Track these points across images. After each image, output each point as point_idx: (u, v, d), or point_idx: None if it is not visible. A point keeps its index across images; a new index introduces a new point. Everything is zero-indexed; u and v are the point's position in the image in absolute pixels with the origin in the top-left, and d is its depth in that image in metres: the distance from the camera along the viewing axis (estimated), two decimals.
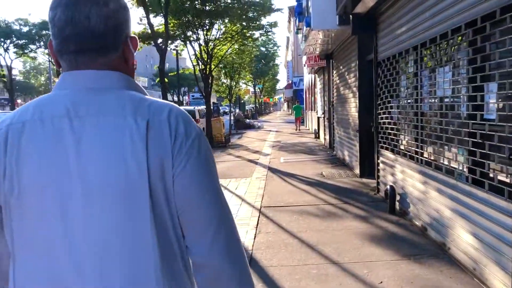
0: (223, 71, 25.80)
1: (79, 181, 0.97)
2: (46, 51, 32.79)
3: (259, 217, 6.52)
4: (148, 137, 0.99)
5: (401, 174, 6.25)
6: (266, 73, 61.14)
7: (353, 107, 10.09)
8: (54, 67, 33.70)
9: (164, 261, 1.01)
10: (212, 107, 22.45)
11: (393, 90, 6.67)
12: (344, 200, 7.29)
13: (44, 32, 30.84)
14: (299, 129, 28.11)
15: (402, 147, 6.27)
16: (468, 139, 4.08)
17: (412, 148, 5.74)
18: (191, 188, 1.02)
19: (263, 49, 60.66)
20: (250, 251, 5.05)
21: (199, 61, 18.56)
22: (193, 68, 18.99)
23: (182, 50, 19.84)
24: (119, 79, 1.06)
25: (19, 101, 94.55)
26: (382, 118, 7.26)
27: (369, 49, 8.48)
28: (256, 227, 5.99)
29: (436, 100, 5.08)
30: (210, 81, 19.01)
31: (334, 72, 13.18)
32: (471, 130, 4.01)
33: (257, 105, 65.47)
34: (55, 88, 1.06)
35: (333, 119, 13.67)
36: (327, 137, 15.77)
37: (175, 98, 53.40)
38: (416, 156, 5.54)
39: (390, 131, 6.76)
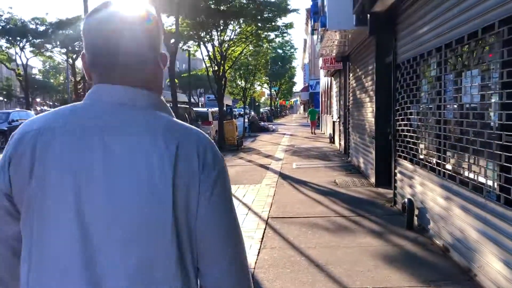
0: (238, 73, 25.40)
1: (103, 194, 0.97)
2: (63, 50, 32.86)
3: (265, 229, 6.06)
4: (177, 162, 1.00)
5: (421, 186, 5.73)
6: (282, 75, 60.65)
7: (369, 112, 9.57)
8: (71, 66, 33.83)
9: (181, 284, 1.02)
10: (225, 109, 22.05)
11: (413, 95, 6.16)
12: (357, 212, 6.79)
13: (60, 31, 30.88)
14: (314, 133, 27.68)
15: (422, 157, 5.75)
16: (500, 152, 3.57)
17: (434, 159, 5.22)
18: (213, 219, 1.04)
19: (280, 51, 60.29)
20: (252, 269, 4.59)
21: (212, 62, 18.18)
22: (206, 70, 18.60)
23: (196, 51, 19.49)
24: (149, 98, 1.06)
25: (38, 99, 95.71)
26: (400, 125, 6.75)
27: (387, 51, 7.97)
28: (261, 241, 5.53)
29: (462, 107, 4.56)
30: (223, 82, 18.63)
31: (351, 75, 12.67)
32: (504, 143, 3.50)
33: (273, 108, 65.02)
34: (85, 98, 1.06)
35: (348, 124, 13.15)
36: (342, 142, 15.23)
37: (192, 100, 53.34)
38: (438, 168, 5.03)
39: (409, 139, 6.25)
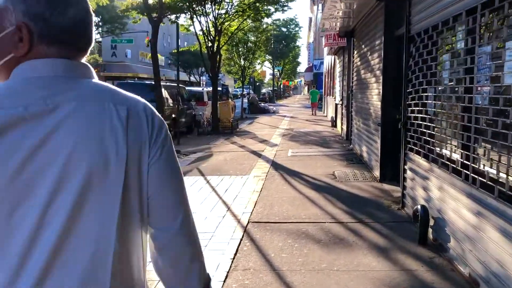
0: (236, 50, 23.97)
1: (56, 165, 0.96)
2: None
3: (241, 239, 4.86)
4: (128, 124, 1.03)
5: (439, 191, 4.50)
6: (286, 54, 59.01)
7: (375, 94, 8.29)
8: None
9: (123, 246, 1.03)
10: (221, 89, 20.74)
11: (431, 74, 4.88)
12: (358, 217, 5.58)
13: None
14: (314, 114, 26.62)
15: (441, 154, 4.50)
16: None
17: (459, 159, 3.98)
18: (163, 176, 1.08)
19: (284, 29, 58.55)
20: None
21: (206, 38, 16.81)
22: (199, 46, 17.24)
23: (190, 25, 18.08)
24: (91, 71, 1.08)
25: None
26: (413, 111, 5.48)
27: (398, 21, 6.66)
28: (233, 258, 4.34)
29: (502, 90, 3.30)
30: (218, 60, 17.27)
31: (355, 52, 11.34)
32: None
33: (276, 88, 63.48)
34: (21, 74, 1.02)
35: (351, 107, 11.86)
36: (344, 127, 13.97)
37: (192, 78, 51.89)
38: (465, 171, 3.79)
39: (424, 130, 4.99)
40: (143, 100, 1.11)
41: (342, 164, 9.42)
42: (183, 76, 56.21)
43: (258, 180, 7.92)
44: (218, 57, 17.16)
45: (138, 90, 15.79)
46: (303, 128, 18.05)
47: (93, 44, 1.12)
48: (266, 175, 8.32)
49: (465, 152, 3.83)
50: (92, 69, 1.09)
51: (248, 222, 5.48)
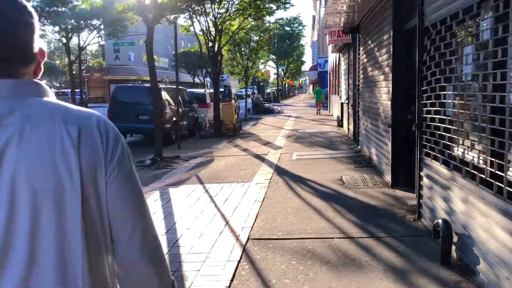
0: (237, 49, 23.42)
1: (7, 190, 0.96)
2: (56, 28, 31.00)
3: (239, 261, 4.31)
4: (80, 144, 1.01)
5: (463, 204, 3.92)
6: (290, 54, 58.42)
7: (384, 93, 7.72)
8: (75, 47, 31.56)
9: (92, 264, 1.03)
10: (224, 90, 20.22)
11: (450, 70, 4.31)
12: (370, 231, 5.01)
13: (52, 9, 28.99)
14: (319, 113, 26.71)
15: (465, 162, 3.93)
16: None
17: (489, 169, 3.40)
18: (122, 195, 1.07)
19: (287, 28, 57.96)
20: None
21: (206, 38, 16.28)
22: (199, 46, 16.70)
23: (190, 25, 17.55)
24: (40, 88, 1.07)
25: (43, 82, 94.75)
26: (429, 112, 4.91)
27: (409, 13, 6.10)
28: (229, 286, 3.79)
29: None
30: (219, 60, 16.74)
31: (361, 49, 10.76)
32: None
33: (280, 88, 62.84)
34: None
35: (358, 107, 11.28)
36: (351, 127, 13.39)
37: (197, 80, 51.39)
38: (499, 184, 3.21)
39: (444, 133, 4.42)
40: (97, 114, 1.09)
41: (350, 167, 8.85)
42: (187, 77, 55.89)
43: (260, 188, 7.37)
44: (219, 57, 16.62)
45: (137, 93, 15.35)
46: (309, 129, 17.48)
47: (35, 51, 1.08)
48: (269, 182, 7.77)
49: (497, 160, 3.26)
50: (44, 86, 1.08)
51: (248, 239, 4.93)
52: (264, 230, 5.23)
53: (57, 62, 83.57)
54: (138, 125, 14.53)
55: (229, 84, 50.76)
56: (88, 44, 32.84)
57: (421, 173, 5.25)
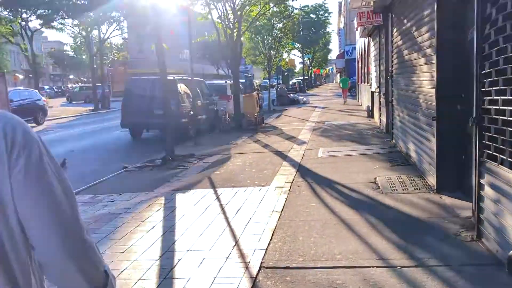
0: (259, 37, 22.26)
1: None
2: (75, 22, 30.49)
3: None
4: None
5: None
6: (316, 42, 56.76)
7: (425, 79, 6.52)
8: (97, 41, 31.06)
9: (16, 266, 1.04)
10: (245, 81, 19.17)
11: None
12: (417, 256, 3.90)
13: (71, 2, 28.43)
14: (346, 101, 26.49)
15: None
16: None
17: None
18: (31, 197, 1.03)
19: (313, 16, 56.30)
20: None
21: (225, 25, 15.22)
22: (217, 35, 15.66)
23: (208, 14, 16.52)
24: None
25: (71, 76, 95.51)
26: (494, 102, 3.75)
27: None
28: None
29: None
30: (239, 49, 15.67)
31: (395, 30, 9.52)
32: None
33: (307, 77, 61.34)
34: None
35: (392, 96, 10.06)
36: (384, 118, 12.15)
37: (221, 72, 50.45)
38: None
39: None
40: (8, 117, 1.07)
41: (385, 166, 7.69)
42: (211, 69, 54.98)
43: (279, 193, 6.32)
44: (239, 45, 15.55)
45: (152, 86, 14.42)
46: (336, 120, 16.27)
47: None
48: (291, 186, 6.70)
49: None
50: None
51: (261, 267, 3.90)
52: (281, 253, 4.18)
53: (84, 56, 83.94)
54: (153, 120, 13.58)
55: (252, 74, 49.60)
56: (108, 37, 32.24)
57: (482, 181, 4.09)
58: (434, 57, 5.81)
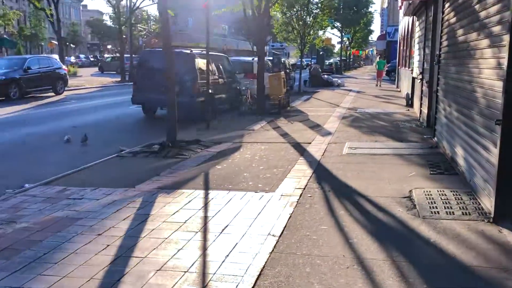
0: (292, 11, 20.51)
1: None
2: None
3: None
4: None
5: None
6: (356, 22, 54.03)
7: (488, 67, 4.91)
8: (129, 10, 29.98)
9: None
10: (272, 59, 17.62)
11: None
12: None
13: None
14: (379, 85, 25.66)
15: None
16: None
17: None
18: None
19: None
20: None
21: None
22: (243, 7, 14.12)
23: None
24: None
25: (109, 46, 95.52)
26: None
27: None
28: None
29: None
30: (266, 22, 14.10)
31: (447, 5, 7.81)
32: None
33: (344, 58, 58.83)
34: None
35: (437, 85, 8.40)
36: (425, 109, 10.48)
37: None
38: None
39: None
40: None
41: (423, 173, 6.15)
42: (247, 45, 53.22)
43: (284, 205, 4.92)
44: (266, 19, 13.98)
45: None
46: (370, 108, 14.59)
47: None
48: (301, 195, 5.29)
49: None
50: None
51: None
52: None
53: (123, 27, 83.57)
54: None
55: (287, 53, 47.51)
56: (138, 7, 30.99)
57: None
58: (506, 38, 4.21)
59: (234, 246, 3.86)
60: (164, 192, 5.50)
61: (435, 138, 8.29)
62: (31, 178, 6.62)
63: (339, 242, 3.94)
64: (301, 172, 6.34)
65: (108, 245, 3.94)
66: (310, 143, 8.58)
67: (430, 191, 5.29)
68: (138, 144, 8.68)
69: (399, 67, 23.69)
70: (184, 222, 4.46)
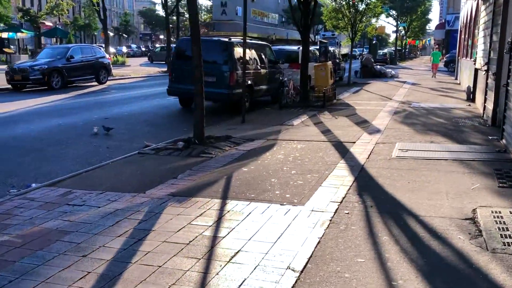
0: None
1: None
2: None
3: None
4: None
5: None
6: (413, 10, 51.37)
7: None
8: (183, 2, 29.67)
9: None
10: (319, 48, 16.51)
11: None
12: None
13: None
14: (435, 76, 24.78)
15: None
16: None
17: None
18: None
19: None
20: None
21: None
22: None
23: None
24: None
25: (161, 36, 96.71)
26: None
27: None
28: None
29: None
30: (312, 8, 13.04)
31: None
32: None
33: (400, 48, 56.24)
34: None
35: (508, 77, 7.13)
36: (490, 105, 9.15)
37: (314, 37, 47.39)
38: None
39: None
40: None
41: (490, 185, 5.03)
42: (296, 35, 51.99)
43: (314, 225, 4.00)
44: (312, 4, 12.92)
45: (204, 48, 12.32)
46: (425, 102, 13.25)
47: None
48: (336, 210, 4.34)
49: None
50: None
51: None
52: None
53: (174, 17, 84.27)
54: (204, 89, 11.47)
55: (339, 42, 45.88)
56: None
57: None
58: None
59: (241, 284, 3.00)
60: (176, 201, 4.71)
61: (504, 140, 7.05)
62: (43, 175, 6.10)
63: (379, 284, 2.99)
64: (340, 180, 5.37)
65: (88, 273, 3.19)
66: (354, 142, 7.56)
67: (500, 212, 4.20)
68: (168, 139, 8.03)
69: (459, 58, 21.87)
70: (188, 244, 3.64)
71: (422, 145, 7.24)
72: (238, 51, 11.74)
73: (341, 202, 4.57)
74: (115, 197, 4.87)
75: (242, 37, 12.76)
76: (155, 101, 14.39)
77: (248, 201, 4.65)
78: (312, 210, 4.36)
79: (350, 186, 5.12)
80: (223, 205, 4.56)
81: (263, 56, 13.41)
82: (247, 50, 12.23)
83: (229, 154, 6.88)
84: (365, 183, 5.26)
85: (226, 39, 11.95)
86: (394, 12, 49.04)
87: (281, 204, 4.54)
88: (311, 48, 17.26)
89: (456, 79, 22.39)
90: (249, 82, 11.94)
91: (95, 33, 64.62)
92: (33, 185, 5.61)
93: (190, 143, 7.30)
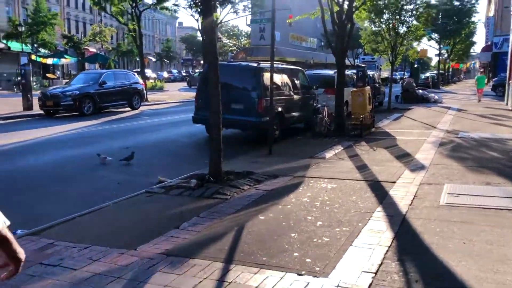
0: (382, 20, 18.19)
1: None
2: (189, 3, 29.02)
3: None
4: None
5: None
6: (457, 32, 49.47)
7: None
8: (221, 26, 29.52)
9: None
10: (357, 72, 15.48)
11: None
12: None
13: None
14: (480, 100, 23.80)
15: None
16: None
17: None
18: None
19: (456, 3, 49.12)
20: None
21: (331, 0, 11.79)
22: (321, 12, 12.24)
23: None
24: None
25: (202, 62, 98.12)
26: None
27: None
28: None
29: None
30: (349, 30, 12.12)
31: None
32: None
33: (443, 72, 54.18)
34: None
35: None
36: None
37: (346, 62, 46.47)
38: None
39: None
40: None
41: None
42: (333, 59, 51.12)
43: None
44: (348, 26, 11.99)
45: (232, 74, 11.50)
46: (475, 131, 11.94)
47: None
48: (370, 286, 3.30)
49: None
50: None
51: None
52: None
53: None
54: (230, 117, 10.51)
55: (379, 66, 44.58)
56: (221, 21, 30.26)
57: None
58: None
59: None
60: (168, 264, 3.80)
61: None
62: (33, 219, 5.36)
63: None
64: (376, 236, 4.32)
65: None
66: (394, 182, 6.47)
67: None
68: (188, 172, 7.23)
69: (510, 81, 20.29)
70: None
71: (477, 188, 6.06)
72: (267, 77, 10.90)
73: (376, 273, 3.52)
74: (98, 255, 4.02)
75: (276, 62, 11.93)
76: (183, 128, 13.70)
77: (257, 267, 3.68)
78: (339, 285, 3.34)
79: (389, 247, 4.06)
80: (224, 272, 3.61)
81: (295, 81, 12.54)
82: (278, 75, 11.41)
83: (246, 195, 5.94)
84: (408, 242, 4.19)
85: (255, 64, 11.17)
86: (436, 35, 47.36)
87: (298, 274, 3.54)
88: (348, 72, 16.29)
89: (507, 104, 20.75)
90: (279, 109, 11.07)
91: (137, 59, 65.98)
92: (19, 231, 4.87)
93: (204, 180, 6.42)
